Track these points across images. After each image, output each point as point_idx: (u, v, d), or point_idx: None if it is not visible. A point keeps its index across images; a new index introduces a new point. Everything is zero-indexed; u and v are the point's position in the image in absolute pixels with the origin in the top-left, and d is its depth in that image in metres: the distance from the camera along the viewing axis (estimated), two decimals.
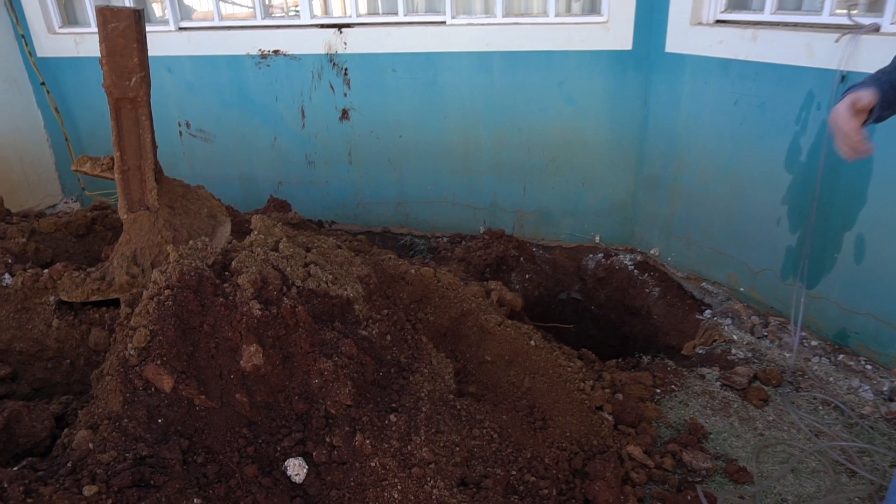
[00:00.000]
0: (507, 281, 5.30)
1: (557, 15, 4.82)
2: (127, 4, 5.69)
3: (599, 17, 4.71)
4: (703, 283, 4.71)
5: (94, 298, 2.83)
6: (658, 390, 3.67)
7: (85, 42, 5.83)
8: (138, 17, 2.61)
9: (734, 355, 3.99)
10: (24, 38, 5.91)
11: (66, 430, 2.28)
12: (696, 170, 4.55)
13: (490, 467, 2.54)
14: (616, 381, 3.60)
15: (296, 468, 2.26)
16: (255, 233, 2.81)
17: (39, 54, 5.99)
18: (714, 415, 3.48)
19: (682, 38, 4.37)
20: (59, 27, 5.98)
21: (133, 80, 2.67)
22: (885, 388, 3.52)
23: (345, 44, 5.15)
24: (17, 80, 6.01)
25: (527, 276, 5.34)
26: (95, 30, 5.78)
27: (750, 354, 3.98)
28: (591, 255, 5.41)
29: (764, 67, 3.89)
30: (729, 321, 4.32)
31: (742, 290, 4.46)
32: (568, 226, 5.43)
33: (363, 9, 5.44)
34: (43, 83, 6.03)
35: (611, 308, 5.32)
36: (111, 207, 3.82)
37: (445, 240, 5.65)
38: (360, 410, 2.41)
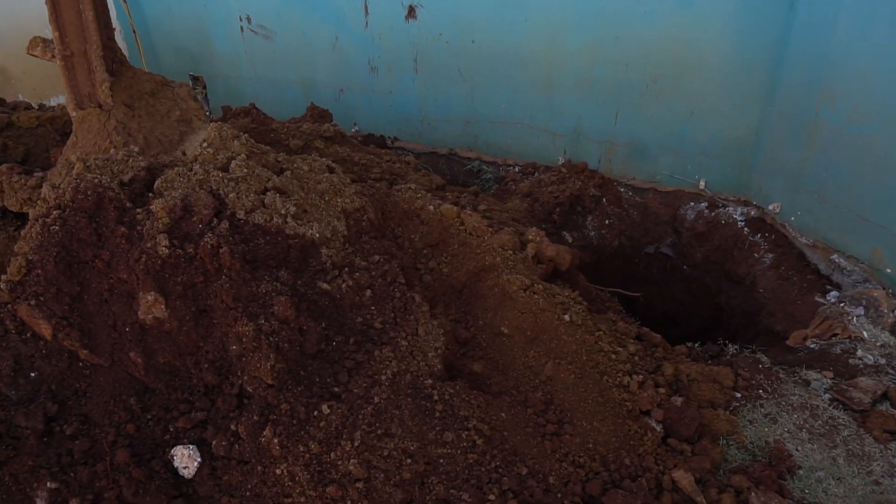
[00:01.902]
0: (580, 225, 4.43)
1: None
2: None
3: None
4: (834, 256, 3.58)
5: (25, 209, 2.40)
6: (738, 395, 2.78)
7: None
8: None
9: (859, 359, 2.97)
10: None
11: None
12: (848, 104, 3.35)
13: (455, 488, 1.87)
14: (681, 375, 2.75)
15: (184, 459, 1.73)
16: (204, 145, 2.20)
17: None
18: (811, 441, 2.56)
19: None
20: None
21: None
22: None
23: None
24: None
25: (606, 221, 4.43)
26: None
27: (883, 362, 2.94)
28: (691, 204, 4.37)
29: None
30: (861, 311, 3.24)
31: (888, 271, 3.32)
32: (667, 164, 4.39)
33: None
34: None
35: (708, 271, 4.32)
36: None
37: (517, 169, 4.82)
38: (284, 394, 1.81)
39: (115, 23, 5.76)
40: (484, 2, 4.34)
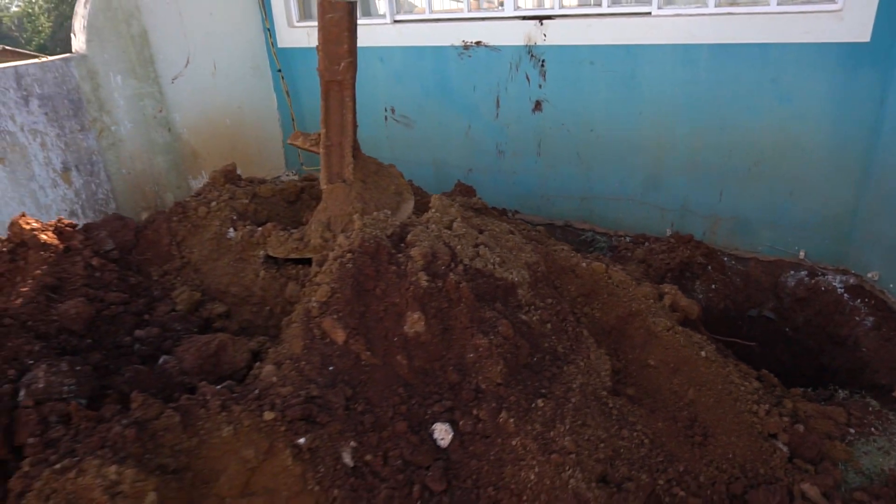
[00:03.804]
0: (689, 289, 4.97)
1: (780, 3, 4.37)
2: None
3: (832, 4, 4.18)
4: None
5: (292, 256, 3.23)
6: (852, 430, 3.22)
7: (316, 34, 6.56)
8: (351, 9, 2.91)
9: None
10: (269, 31, 6.83)
11: (257, 364, 2.66)
12: None
13: (635, 471, 2.45)
14: (799, 411, 3.22)
15: (442, 433, 2.40)
16: (433, 210, 2.99)
17: (280, 45, 6.88)
18: None
19: None
20: (297, 21, 6.80)
21: (342, 64, 2.99)
22: None
23: (544, 35, 5.18)
24: (260, 67, 6.96)
25: (713, 286, 4.96)
26: None
27: None
28: (791, 272, 4.86)
29: None
30: None
31: None
32: (767, 237, 4.93)
33: (567, 0, 5.41)
34: (279, 70, 6.93)
35: (809, 334, 4.74)
36: (317, 180, 4.30)
37: (628, 239, 5.45)
38: (509, 390, 2.47)
39: (276, 114, 6.91)
40: (603, 98, 5.14)
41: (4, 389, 2.32)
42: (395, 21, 6.03)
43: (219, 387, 2.52)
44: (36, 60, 5.21)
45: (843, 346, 4.46)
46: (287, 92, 6.97)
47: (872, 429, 3.23)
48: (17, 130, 5.03)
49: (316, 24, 6.55)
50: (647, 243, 5.26)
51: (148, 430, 2.11)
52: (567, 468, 2.27)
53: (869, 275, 4.43)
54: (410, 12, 6.23)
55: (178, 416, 2.18)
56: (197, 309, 3.34)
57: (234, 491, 2.20)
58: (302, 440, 2.28)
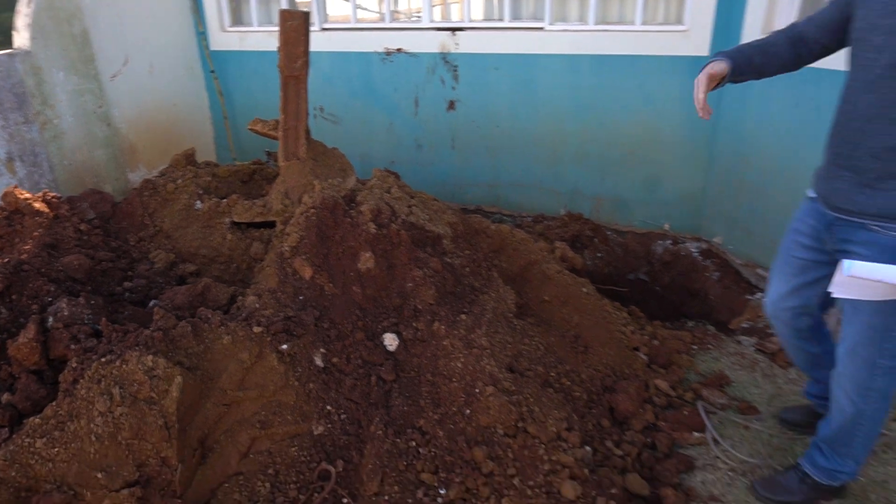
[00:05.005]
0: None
1: (643, 23, 5.47)
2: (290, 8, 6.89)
3: (681, 26, 5.31)
4: (759, 270, 5.17)
5: (258, 220, 3.88)
6: (695, 347, 4.26)
7: (248, 38, 7.14)
8: (307, 17, 3.63)
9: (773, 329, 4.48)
10: (202, 34, 7.32)
11: (239, 298, 3.32)
12: (759, 167, 5.03)
13: (534, 365, 3.32)
14: (657, 333, 4.23)
15: (390, 340, 3.16)
16: (374, 179, 3.76)
17: (212, 48, 7.38)
18: (741, 370, 4.03)
19: None
20: (229, 26, 7.34)
21: (299, 62, 3.70)
22: None
23: (457, 44, 6.06)
24: (193, 68, 7.43)
25: (598, 254, 6.00)
26: (257, 28, 7.08)
27: None
28: (660, 241, 5.97)
29: (824, 74, 4.37)
30: None
31: None
32: (641, 213, 6.02)
33: (477, 15, 6.33)
34: (212, 71, 7.42)
35: (674, 290, 5.85)
36: (266, 165, 4.94)
37: (530, 219, 6.41)
38: (440, 308, 3.27)
39: (208, 112, 7.40)
40: (506, 99, 6.08)
41: (35, 318, 2.87)
42: (324, 28, 6.73)
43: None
44: None
45: (697, 297, 5.59)
46: (220, 93, 7.47)
47: (709, 345, 4.29)
48: None
49: (246, 29, 7.16)
50: (545, 221, 6.23)
51: (169, 335, 2.75)
52: (484, 358, 3.10)
53: (715, 240, 5.60)
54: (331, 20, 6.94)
55: (189, 327, 2.83)
56: (172, 268, 3.92)
57: (233, 385, 2.86)
58: (284, 346, 2.98)
